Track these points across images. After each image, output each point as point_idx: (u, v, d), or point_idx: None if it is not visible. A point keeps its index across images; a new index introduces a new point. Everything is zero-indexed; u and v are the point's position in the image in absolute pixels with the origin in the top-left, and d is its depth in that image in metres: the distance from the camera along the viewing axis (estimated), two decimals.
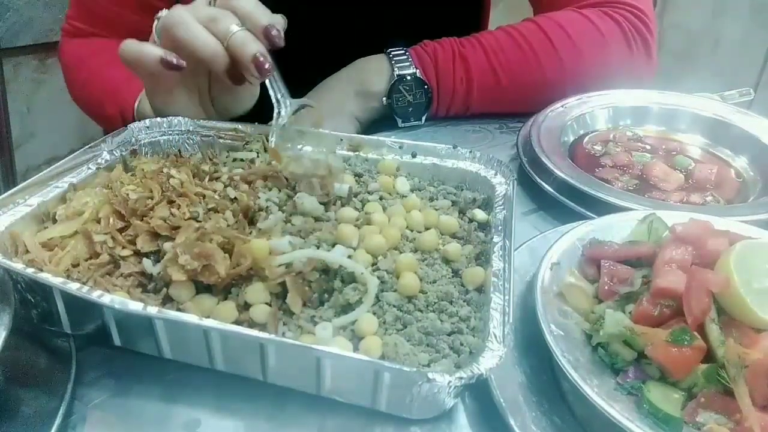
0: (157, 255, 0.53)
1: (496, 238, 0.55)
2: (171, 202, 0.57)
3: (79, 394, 0.47)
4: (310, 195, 0.60)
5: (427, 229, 0.59)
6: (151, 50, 0.64)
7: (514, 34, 0.85)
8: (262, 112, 0.78)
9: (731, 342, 0.44)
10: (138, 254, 0.53)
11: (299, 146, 0.66)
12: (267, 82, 0.65)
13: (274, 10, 0.69)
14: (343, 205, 0.61)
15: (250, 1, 0.65)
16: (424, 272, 0.54)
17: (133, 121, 0.80)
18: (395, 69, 0.83)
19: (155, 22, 0.66)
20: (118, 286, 0.51)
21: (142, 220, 0.55)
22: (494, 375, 0.46)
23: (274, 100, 0.65)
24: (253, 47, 0.62)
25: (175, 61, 0.63)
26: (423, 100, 0.84)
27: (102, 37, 0.96)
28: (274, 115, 0.65)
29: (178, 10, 0.64)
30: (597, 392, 0.43)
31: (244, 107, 0.73)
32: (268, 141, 0.67)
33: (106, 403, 0.47)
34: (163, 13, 0.65)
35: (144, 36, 0.67)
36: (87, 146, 0.63)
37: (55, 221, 0.56)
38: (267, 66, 0.62)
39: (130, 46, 0.65)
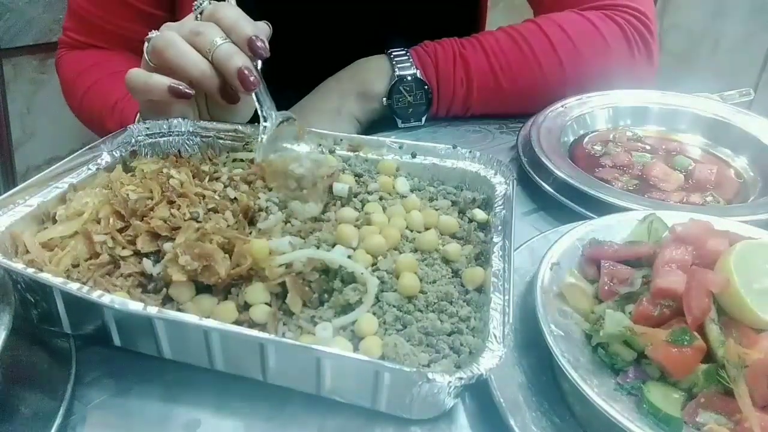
0: (157, 255, 0.53)
1: (496, 238, 0.55)
2: (171, 203, 0.57)
3: (79, 394, 0.47)
4: (302, 203, 0.59)
5: (427, 229, 0.59)
6: (158, 80, 0.64)
7: (514, 36, 0.85)
8: None
9: (731, 342, 0.44)
10: (138, 254, 0.53)
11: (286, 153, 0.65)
12: (253, 94, 0.64)
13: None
14: (343, 205, 0.61)
15: (233, 12, 0.64)
16: (424, 272, 0.54)
17: None
18: (396, 69, 0.83)
19: (145, 44, 0.66)
20: (118, 286, 0.51)
21: (142, 220, 0.55)
22: (494, 375, 0.46)
23: (259, 113, 0.64)
24: (237, 61, 0.62)
25: (183, 89, 0.63)
26: (423, 100, 0.84)
27: (99, 47, 0.95)
28: (260, 128, 0.64)
29: (167, 30, 0.64)
30: (597, 392, 0.43)
31: (242, 119, 0.72)
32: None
33: (106, 403, 0.47)
34: (153, 34, 0.65)
35: (141, 46, 0.67)
36: (87, 147, 0.63)
37: (55, 221, 0.56)
38: (252, 79, 0.62)
39: (137, 76, 0.65)
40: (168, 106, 0.68)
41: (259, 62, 0.66)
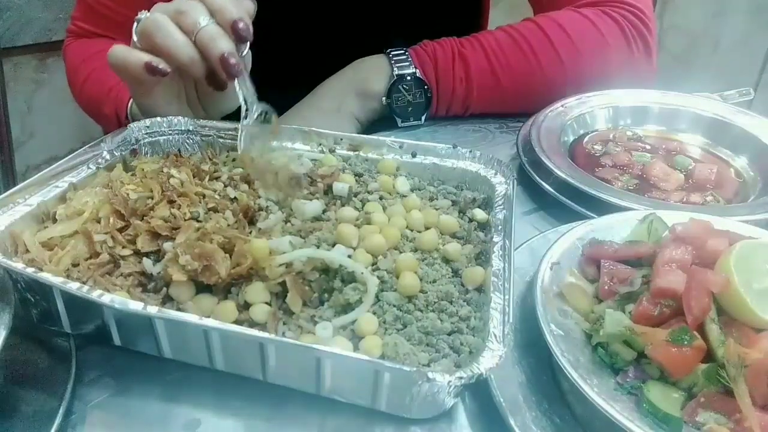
0: (157, 255, 0.53)
1: (496, 238, 0.55)
2: (171, 202, 0.57)
3: (79, 393, 0.47)
4: (301, 199, 0.59)
5: (427, 228, 0.59)
6: (136, 56, 0.64)
7: (513, 34, 0.85)
8: None
9: (731, 342, 0.44)
10: (138, 254, 0.53)
11: (268, 147, 0.64)
12: (235, 81, 0.63)
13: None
14: (343, 205, 0.61)
15: None
16: (424, 272, 0.54)
17: (127, 119, 0.79)
18: (395, 69, 0.83)
19: (135, 24, 0.66)
20: (118, 285, 0.51)
21: (142, 219, 0.55)
22: (494, 375, 0.46)
23: (241, 101, 0.63)
24: (220, 45, 0.61)
25: (159, 66, 0.63)
26: (422, 100, 0.84)
27: (106, 37, 0.96)
28: (241, 117, 0.63)
29: (156, 13, 0.64)
30: (597, 392, 0.43)
31: (233, 105, 0.72)
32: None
33: (106, 402, 0.47)
34: (143, 15, 0.65)
35: None
36: (87, 146, 0.63)
37: (55, 221, 0.56)
38: (233, 63, 0.61)
39: (117, 51, 0.65)
40: (151, 85, 0.67)
41: (247, 46, 0.65)
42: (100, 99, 0.87)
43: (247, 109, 0.63)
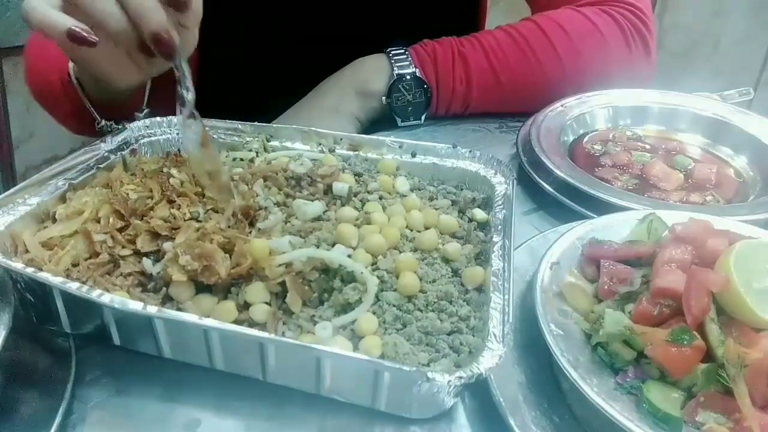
0: (157, 255, 0.53)
1: (495, 238, 0.55)
2: (171, 202, 0.57)
3: (78, 393, 0.47)
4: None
5: (426, 228, 0.59)
6: (57, 20, 0.54)
7: (513, 34, 0.85)
8: (259, 110, 0.78)
9: (731, 342, 0.44)
10: (138, 254, 0.53)
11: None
12: (173, 65, 0.55)
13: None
14: (342, 205, 0.61)
15: None
16: (423, 272, 0.54)
17: (70, 83, 0.72)
18: (395, 68, 0.83)
19: None
20: (118, 285, 0.51)
21: (141, 219, 0.55)
22: (494, 374, 0.46)
23: (178, 88, 0.55)
24: (154, 20, 0.52)
25: (86, 36, 0.54)
26: (422, 99, 0.84)
27: None
28: (178, 102, 0.56)
29: None
30: (596, 392, 0.43)
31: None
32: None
33: (106, 402, 0.47)
34: None
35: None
36: (86, 146, 0.63)
37: (54, 221, 0.56)
38: (169, 43, 0.53)
39: (36, 10, 0.55)
40: (76, 50, 0.57)
41: (191, 15, 0.56)
42: (46, 69, 0.74)
43: (182, 100, 0.56)
